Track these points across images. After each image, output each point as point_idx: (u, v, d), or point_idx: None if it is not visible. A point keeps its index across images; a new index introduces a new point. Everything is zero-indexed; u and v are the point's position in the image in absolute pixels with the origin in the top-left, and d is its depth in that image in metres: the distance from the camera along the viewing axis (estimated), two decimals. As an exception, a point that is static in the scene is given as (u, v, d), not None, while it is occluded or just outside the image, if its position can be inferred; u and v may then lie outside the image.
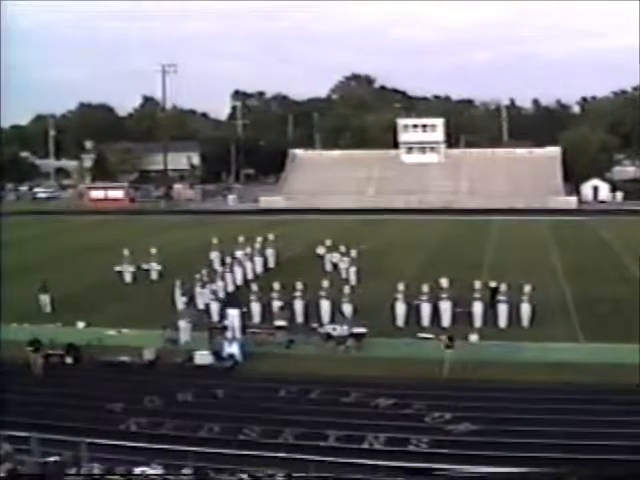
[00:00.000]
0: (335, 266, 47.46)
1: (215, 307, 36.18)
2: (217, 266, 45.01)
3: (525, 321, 34.42)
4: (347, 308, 34.11)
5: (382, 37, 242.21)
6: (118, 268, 46.53)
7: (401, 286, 35.76)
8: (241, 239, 50.15)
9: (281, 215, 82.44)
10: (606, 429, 22.12)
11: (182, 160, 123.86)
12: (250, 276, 45.18)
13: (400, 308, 35.04)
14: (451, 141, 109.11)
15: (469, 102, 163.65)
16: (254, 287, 37.40)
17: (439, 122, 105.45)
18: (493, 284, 36.57)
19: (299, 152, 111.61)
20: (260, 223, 72.36)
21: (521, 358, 29.74)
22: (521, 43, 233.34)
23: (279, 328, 32.98)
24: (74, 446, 18.42)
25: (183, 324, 33.07)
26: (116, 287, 44.41)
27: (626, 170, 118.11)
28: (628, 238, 60.07)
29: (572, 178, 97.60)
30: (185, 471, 17.13)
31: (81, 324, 35.58)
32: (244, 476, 17.12)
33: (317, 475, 17.67)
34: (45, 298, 38.07)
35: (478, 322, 34.28)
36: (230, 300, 36.59)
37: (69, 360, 29.56)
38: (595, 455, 20.33)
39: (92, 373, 28.63)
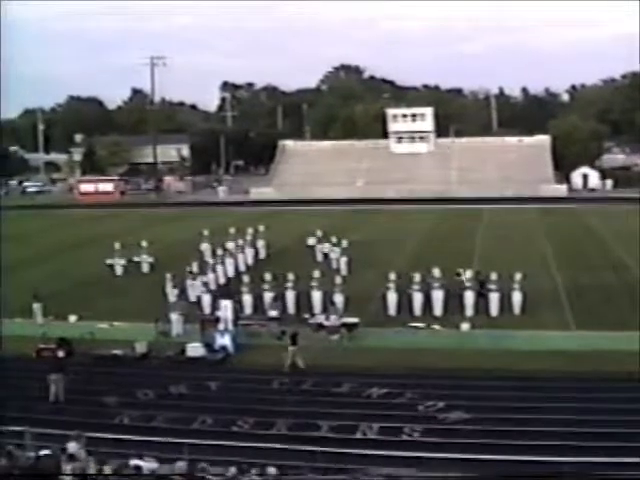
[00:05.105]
0: (326, 256, 47.47)
1: (207, 299, 36.12)
2: (208, 258, 45.01)
3: (517, 309, 34.49)
4: (339, 298, 34.12)
5: (372, 28, 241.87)
6: (109, 261, 46.42)
7: (392, 275, 35.79)
8: (232, 231, 50.12)
9: (271, 206, 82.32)
10: (599, 416, 22.22)
11: (172, 152, 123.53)
12: (241, 268, 45.13)
13: (392, 297, 35.06)
14: (440, 130, 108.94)
15: (458, 91, 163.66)
16: (245, 279, 37.39)
17: (428, 111, 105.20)
18: (480, 276, 36.35)
19: (289, 143, 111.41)
20: (251, 214, 72.27)
21: (513, 346, 29.80)
22: (510, 32, 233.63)
23: (271, 319, 33.01)
24: (68, 440, 18.41)
25: (175, 316, 33.05)
26: (107, 280, 44.30)
27: (615, 158, 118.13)
28: (618, 226, 60.24)
29: (562, 166, 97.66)
30: (179, 464, 17.10)
31: (73, 318, 35.48)
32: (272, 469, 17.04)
33: None
34: (37, 307, 35.56)
35: (470, 311, 34.35)
36: (222, 292, 36.55)
37: (61, 354, 29.46)
38: (588, 443, 20.42)
39: (84, 367, 28.53)
